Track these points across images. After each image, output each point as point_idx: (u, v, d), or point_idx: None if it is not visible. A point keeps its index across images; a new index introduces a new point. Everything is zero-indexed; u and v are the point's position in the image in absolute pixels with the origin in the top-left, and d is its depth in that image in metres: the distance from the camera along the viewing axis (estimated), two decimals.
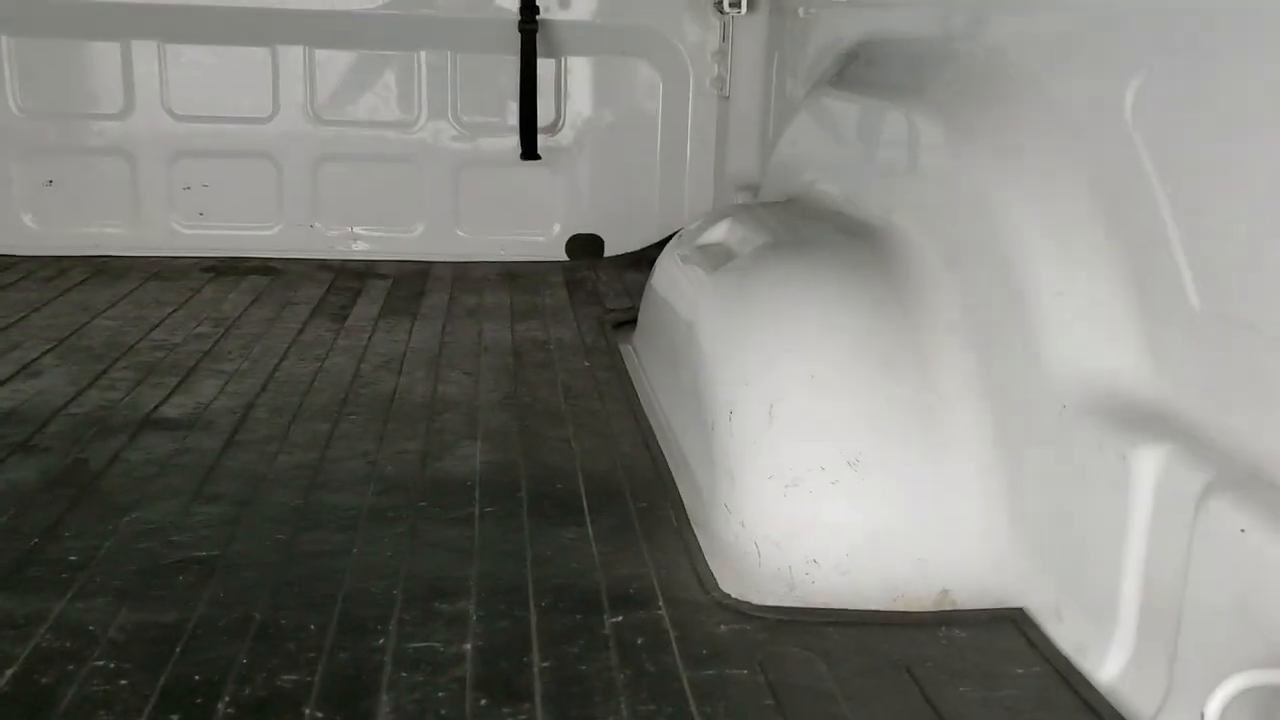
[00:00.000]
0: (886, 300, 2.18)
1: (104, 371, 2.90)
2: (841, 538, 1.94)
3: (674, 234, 4.60)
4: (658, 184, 4.65)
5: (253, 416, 2.61)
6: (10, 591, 1.76)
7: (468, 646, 1.64)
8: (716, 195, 4.57)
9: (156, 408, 2.64)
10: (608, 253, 4.67)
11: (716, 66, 4.46)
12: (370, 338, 3.35)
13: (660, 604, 1.79)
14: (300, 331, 3.38)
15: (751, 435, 2.10)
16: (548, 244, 4.64)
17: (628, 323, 3.65)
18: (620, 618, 1.74)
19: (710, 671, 1.60)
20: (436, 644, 1.65)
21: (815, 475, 1.98)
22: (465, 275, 4.28)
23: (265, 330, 3.38)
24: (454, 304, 3.83)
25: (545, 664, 1.61)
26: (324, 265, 4.32)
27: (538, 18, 4.34)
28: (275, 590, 1.80)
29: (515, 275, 4.33)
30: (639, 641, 1.67)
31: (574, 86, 4.56)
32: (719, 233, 2.90)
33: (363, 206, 4.53)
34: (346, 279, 4.14)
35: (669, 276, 3.06)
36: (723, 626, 1.73)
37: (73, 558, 1.88)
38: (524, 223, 4.63)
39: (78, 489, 2.18)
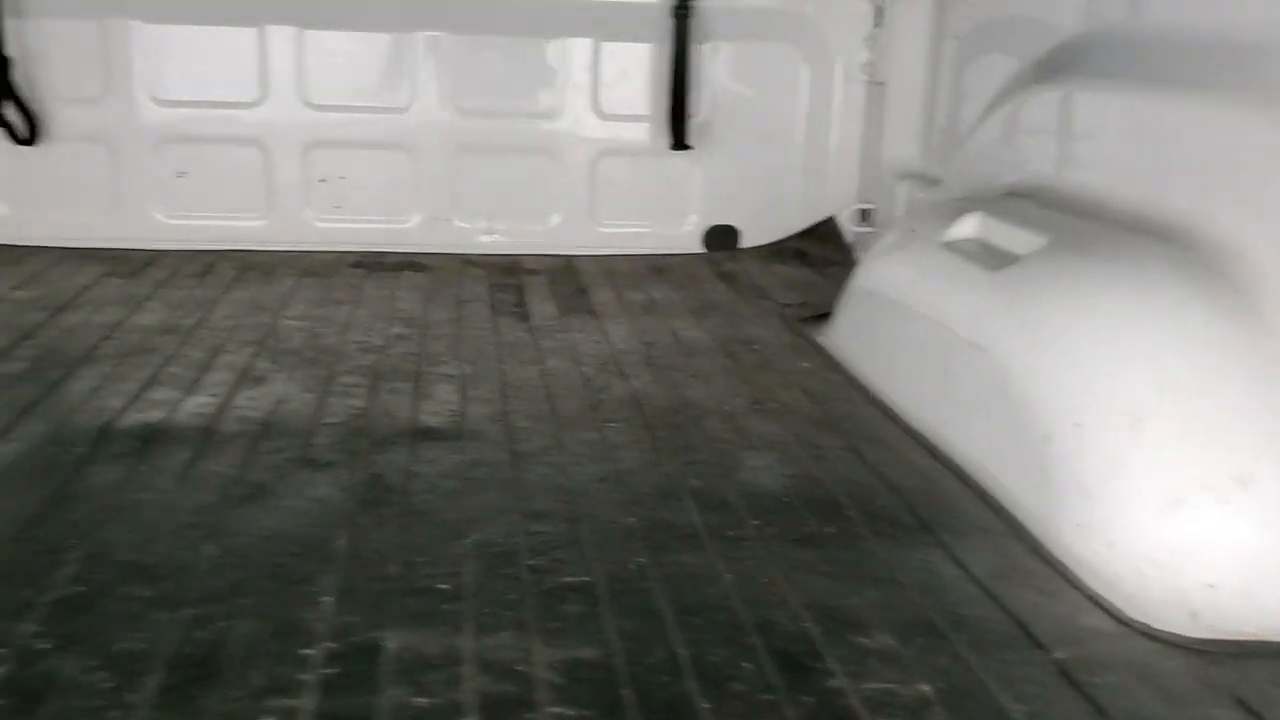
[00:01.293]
0: (1235, 303, 2.08)
1: (330, 377, 2.77)
2: (1240, 559, 1.84)
3: (817, 224, 4.53)
4: (800, 174, 4.52)
5: (514, 425, 2.48)
6: (402, 626, 1.64)
7: (926, 688, 1.54)
8: (862, 185, 4.45)
9: (415, 416, 2.51)
10: (742, 244, 4.56)
11: (867, 52, 4.34)
12: (568, 337, 3.22)
13: (1088, 637, 1.69)
14: (495, 332, 3.25)
15: (1113, 449, 1.99)
16: (685, 236, 4.52)
17: (809, 319, 3.55)
18: (1062, 655, 1.63)
19: (1195, 711, 1.50)
20: (892, 685, 1.54)
21: (1202, 493, 1.88)
22: (614, 270, 4.16)
23: (457, 330, 3.26)
24: (624, 300, 3.71)
25: (1019, 706, 1.50)
26: (467, 260, 4.20)
27: (690, 3, 4.21)
28: (678, 621, 1.68)
29: (662, 269, 4.21)
30: (1099, 681, 1.57)
31: (714, 73, 4.42)
32: (968, 229, 2.79)
33: (498, 198, 4.40)
34: (498, 274, 4.01)
35: (903, 276, 2.94)
36: (1170, 661, 1.63)
37: (442, 586, 1.76)
38: (661, 214, 4.50)
39: (394, 507, 2.05)
